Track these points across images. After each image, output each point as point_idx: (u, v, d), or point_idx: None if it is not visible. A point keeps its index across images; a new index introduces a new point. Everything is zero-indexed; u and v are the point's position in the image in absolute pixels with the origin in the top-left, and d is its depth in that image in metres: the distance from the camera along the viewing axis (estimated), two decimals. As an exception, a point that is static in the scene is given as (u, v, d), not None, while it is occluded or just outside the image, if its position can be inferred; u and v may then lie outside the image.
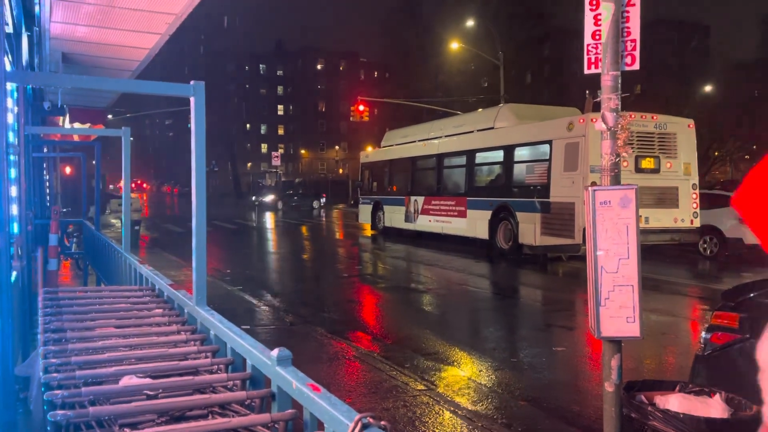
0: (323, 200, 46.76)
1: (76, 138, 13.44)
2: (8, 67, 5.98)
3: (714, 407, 3.16)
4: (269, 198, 46.07)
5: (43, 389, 2.32)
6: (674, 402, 3.21)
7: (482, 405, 5.36)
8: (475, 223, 17.07)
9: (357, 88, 65.72)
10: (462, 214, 17.70)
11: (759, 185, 1.70)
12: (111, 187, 56.83)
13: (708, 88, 37.21)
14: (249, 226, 28.79)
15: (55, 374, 2.36)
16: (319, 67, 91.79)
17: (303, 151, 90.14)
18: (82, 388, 2.21)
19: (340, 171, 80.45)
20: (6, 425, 2.52)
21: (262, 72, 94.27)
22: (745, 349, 3.79)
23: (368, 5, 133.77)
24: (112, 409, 2.09)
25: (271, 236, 24.65)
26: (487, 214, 16.40)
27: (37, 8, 6.62)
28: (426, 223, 19.52)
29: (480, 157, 17.53)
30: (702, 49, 55.75)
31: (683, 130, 14.22)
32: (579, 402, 5.49)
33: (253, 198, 48.08)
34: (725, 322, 4.00)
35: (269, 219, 32.99)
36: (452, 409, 5.19)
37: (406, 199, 20.71)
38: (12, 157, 5.14)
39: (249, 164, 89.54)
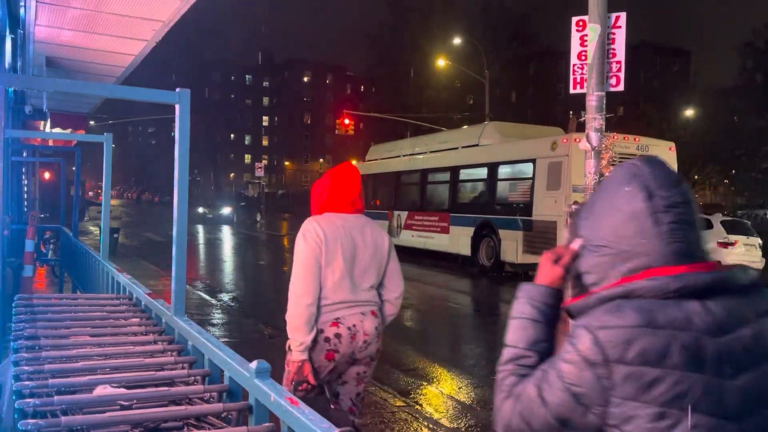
0: (258, 216, 40.49)
1: (51, 142, 13.31)
2: (-10, 69, 5.92)
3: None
4: (226, 210, 39.90)
5: (14, 397, 2.26)
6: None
7: (461, 422, 5.33)
8: (457, 240, 17.11)
9: (343, 102, 65.97)
10: (445, 230, 17.74)
11: (318, 184, 3.27)
12: (90, 194, 56.14)
13: (689, 113, 37.85)
14: (215, 238, 28.61)
15: (27, 382, 2.30)
16: (305, 79, 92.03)
17: (287, 163, 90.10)
18: (55, 396, 2.16)
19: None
20: (-27, 434, 2.45)
21: (248, 82, 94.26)
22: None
23: (356, 19, 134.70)
24: (84, 419, 2.04)
25: (249, 248, 24.51)
26: (470, 231, 16.45)
27: (22, 11, 6.56)
28: (409, 238, 19.52)
29: (464, 174, 17.62)
30: (683, 73, 56.86)
31: (664, 153, 14.42)
32: (557, 421, 5.47)
33: (201, 210, 39.89)
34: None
35: (227, 233, 32.55)
36: (431, 426, 5.16)
37: (390, 213, 20.72)
38: (-10, 160, 5.05)
39: (232, 174, 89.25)
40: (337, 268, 3.04)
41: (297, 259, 3.05)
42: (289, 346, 3.02)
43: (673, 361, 1.11)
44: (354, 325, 3.07)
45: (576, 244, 1.35)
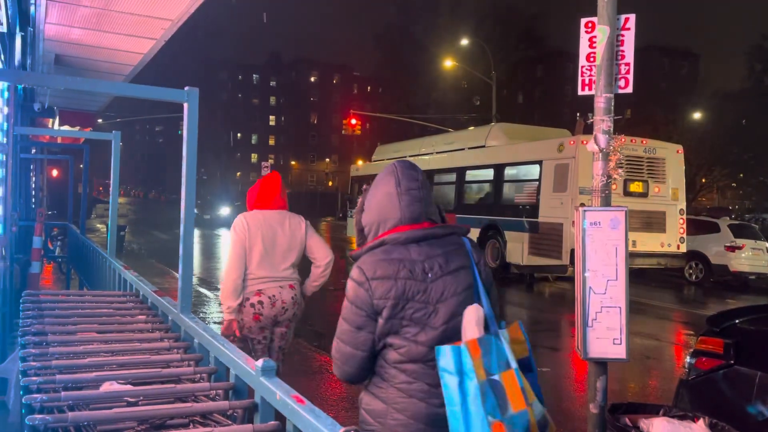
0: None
1: (59, 140, 13.35)
2: (0, 66, 5.94)
3: (697, 432, 3.14)
4: (225, 211, 37.93)
5: (22, 392, 2.28)
6: (658, 426, 3.20)
7: (465, 423, 5.32)
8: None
9: (350, 102, 65.94)
10: (450, 231, 17.70)
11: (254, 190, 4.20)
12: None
13: (697, 116, 37.65)
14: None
15: (34, 378, 2.32)
16: (312, 79, 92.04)
17: (293, 163, 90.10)
18: (62, 392, 2.17)
19: (330, 183, 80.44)
20: (-19, 429, 2.46)
21: (255, 82, 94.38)
22: (730, 375, 3.80)
23: (364, 20, 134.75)
24: (91, 414, 2.05)
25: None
26: (476, 232, 16.41)
27: (32, 9, 6.59)
28: (414, 239, 19.48)
29: (470, 175, 17.59)
30: (691, 76, 56.57)
31: (672, 156, 14.36)
32: (563, 423, 5.47)
33: (195, 211, 40.00)
34: (710, 348, 4.00)
35: (225, 233, 32.22)
36: (435, 426, 5.15)
37: (395, 214, 20.69)
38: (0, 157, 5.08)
39: (238, 174, 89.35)
40: (257, 251, 4.00)
41: (229, 245, 4.05)
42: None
43: (400, 275, 2.05)
44: (273, 295, 4.04)
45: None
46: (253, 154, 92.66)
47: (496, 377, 1.95)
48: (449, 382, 1.92)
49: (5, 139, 5.40)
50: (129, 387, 2.36)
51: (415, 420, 2.04)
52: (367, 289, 2.05)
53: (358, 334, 2.07)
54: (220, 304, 4.21)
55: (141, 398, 2.26)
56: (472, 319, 2.01)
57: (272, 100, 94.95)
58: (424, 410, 2.04)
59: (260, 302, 4.01)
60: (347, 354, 2.10)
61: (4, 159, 5.20)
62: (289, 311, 4.11)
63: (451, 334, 2.03)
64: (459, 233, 2.20)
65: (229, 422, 2.21)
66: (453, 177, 18.10)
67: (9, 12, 5.73)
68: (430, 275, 2.06)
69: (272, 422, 2.08)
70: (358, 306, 2.07)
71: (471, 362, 1.92)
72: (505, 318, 2.35)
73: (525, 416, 1.94)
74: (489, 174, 16.56)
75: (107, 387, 2.33)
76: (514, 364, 2.00)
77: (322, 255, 4.25)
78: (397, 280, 2.03)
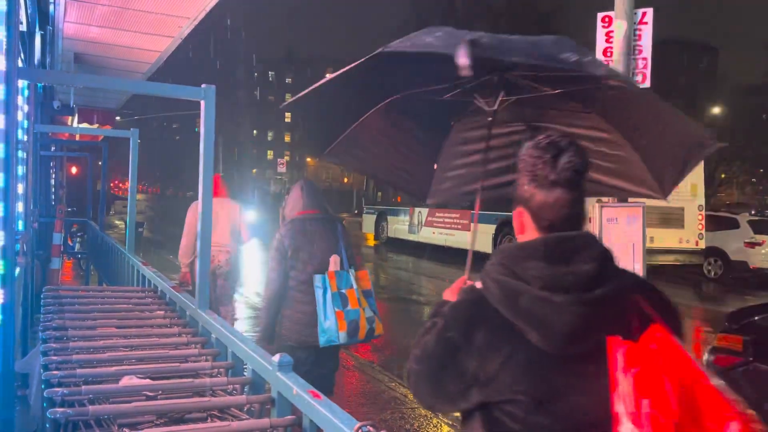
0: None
1: (78, 137, 13.48)
2: (20, 65, 6.01)
3: (716, 430, 3.13)
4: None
5: (43, 386, 2.31)
6: (676, 423, 3.18)
7: (481, 419, 5.32)
8: (478, 237, 16.99)
9: (365, 98, 65.66)
10: (465, 227, 17.66)
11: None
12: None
13: (716, 110, 37.18)
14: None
15: (55, 372, 2.35)
16: (328, 75, 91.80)
17: (309, 159, 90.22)
18: (82, 386, 2.20)
19: (345, 180, 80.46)
20: (4, 422, 2.50)
21: (271, 79, 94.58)
22: (749, 373, 3.76)
23: (379, 17, 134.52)
24: (111, 408, 2.08)
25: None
26: (491, 228, 16.35)
27: (51, 8, 6.66)
28: (429, 235, 19.48)
29: (486, 171, 17.50)
30: (710, 70, 55.88)
31: (690, 151, 14.19)
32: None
33: None
34: (729, 345, 3.97)
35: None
36: (450, 422, 5.16)
37: (411, 210, 20.68)
38: (20, 154, 5.15)
39: (254, 170, 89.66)
40: None
41: (185, 222, 5.94)
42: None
43: (297, 236, 3.81)
44: (214, 256, 5.62)
45: None
46: (269, 151, 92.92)
47: (343, 291, 3.69)
48: (318, 293, 3.65)
49: (25, 137, 5.47)
50: (148, 381, 2.39)
51: (302, 314, 3.73)
52: (282, 242, 3.78)
53: (280, 266, 3.78)
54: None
55: (160, 392, 2.30)
56: (333, 262, 3.76)
57: (288, 96, 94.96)
58: (308, 308, 3.70)
59: None
60: (273, 278, 3.79)
61: (25, 156, 5.27)
62: (223, 268, 5.97)
63: (322, 269, 3.72)
64: (335, 219, 4.03)
65: (246, 416, 2.23)
66: (468, 173, 18.02)
67: (29, 11, 5.80)
68: (314, 237, 3.80)
69: (289, 417, 2.10)
70: (278, 251, 3.77)
71: (329, 282, 3.66)
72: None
73: (357, 312, 3.65)
74: (505, 170, 16.47)
75: (127, 381, 2.36)
76: (355, 286, 3.73)
77: (245, 236, 6.18)
78: (295, 238, 3.78)
